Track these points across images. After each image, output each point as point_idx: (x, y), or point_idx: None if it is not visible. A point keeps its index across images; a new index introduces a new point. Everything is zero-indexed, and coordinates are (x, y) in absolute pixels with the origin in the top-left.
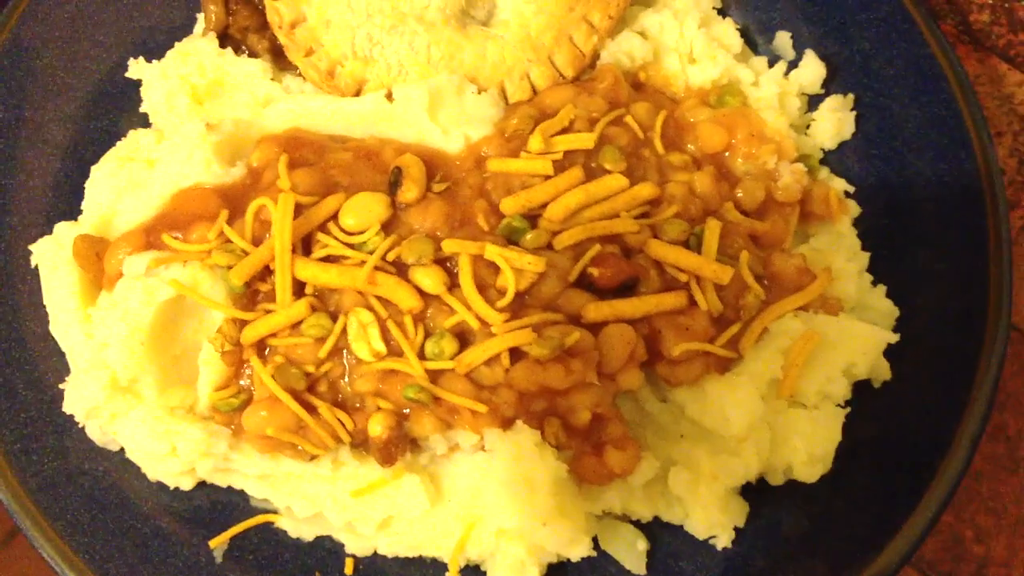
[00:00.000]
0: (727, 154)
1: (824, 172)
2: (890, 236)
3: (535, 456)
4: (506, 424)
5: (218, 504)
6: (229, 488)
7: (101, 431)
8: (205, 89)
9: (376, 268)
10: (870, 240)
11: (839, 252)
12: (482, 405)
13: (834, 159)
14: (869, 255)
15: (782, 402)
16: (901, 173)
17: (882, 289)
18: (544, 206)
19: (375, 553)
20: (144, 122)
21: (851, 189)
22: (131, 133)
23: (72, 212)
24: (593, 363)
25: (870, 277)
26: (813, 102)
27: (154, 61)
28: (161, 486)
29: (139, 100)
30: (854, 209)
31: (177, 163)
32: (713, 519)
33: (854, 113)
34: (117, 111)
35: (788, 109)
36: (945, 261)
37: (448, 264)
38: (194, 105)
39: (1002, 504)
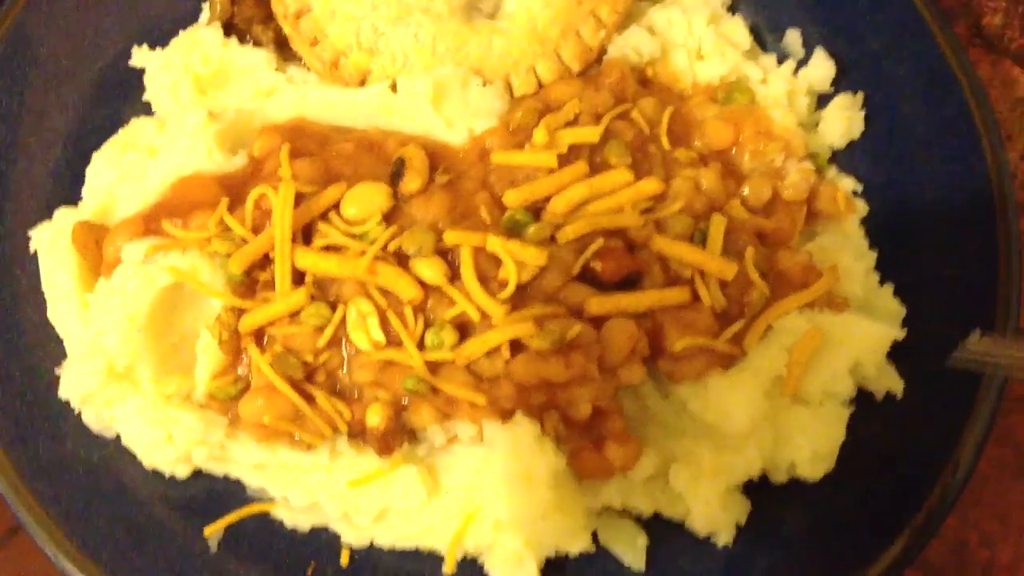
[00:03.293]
0: (734, 151)
1: (832, 171)
2: (898, 236)
3: (534, 449)
4: (505, 416)
5: (214, 493)
6: (225, 477)
7: (97, 418)
8: (209, 78)
9: (377, 258)
10: (877, 240)
11: (846, 251)
12: (481, 397)
13: (842, 158)
14: (876, 254)
15: (786, 399)
16: (910, 174)
17: (889, 288)
18: (547, 200)
19: (371, 544)
20: (147, 111)
21: (859, 188)
22: (133, 121)
23: (73, 199)
24: (594, 357)
25: (877, 276)
26: (822, 101)
27: (158, 49)
28: (157, 474)
29: (142, 89)
30: (862, 208)
31: (178, 151)
32: (714, 516)
33: (863, 112)
34: (120, 99)
35: (797, 107)
36: (953, 263)
37: (449, 256)
38: (197, 94)
39: (1008, 509)
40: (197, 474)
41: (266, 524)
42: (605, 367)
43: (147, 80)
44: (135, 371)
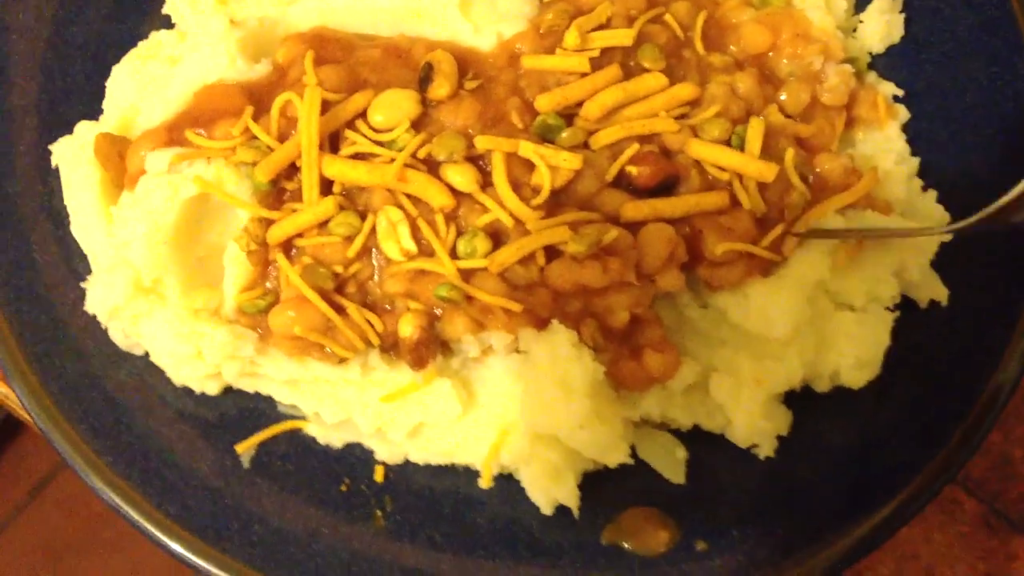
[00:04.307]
0: (770, 56)
1: (872, 76)
2: (940, 143)
3: (572, 357)
4: (541, 325)
5: (245, 411)
6: (256, 395)
7: (124, 334)
8: None
9: (406, 165)
10: (920, 146)
11: (887, 157)
12: (517, 304)
13: (882, 63)
14: (919, 160)
15: (829, 305)
16: (952, 78)
17: (932, 194)
18: (580, 104)
19: (406, 460)
20: (167, 24)
21: (900, 93)
22: (153, 34)
23: (93, 115)
24: (632, 262)
25: (920, 182)
26: (861, 3)
27: None
28: (186, 391)
29: (161, 1)
30: (903, 114)
31: (200, 60)
32: (756, 426)
33: (903, 15)
34: (139, 13)
35: (835, 10)
36: (997, 166)
37: (480, 162)
38: (218, 4)
39: None
40: (227, 391)
41: (298, 441)
42: (642, 273)
43: None
44: (162, 285)
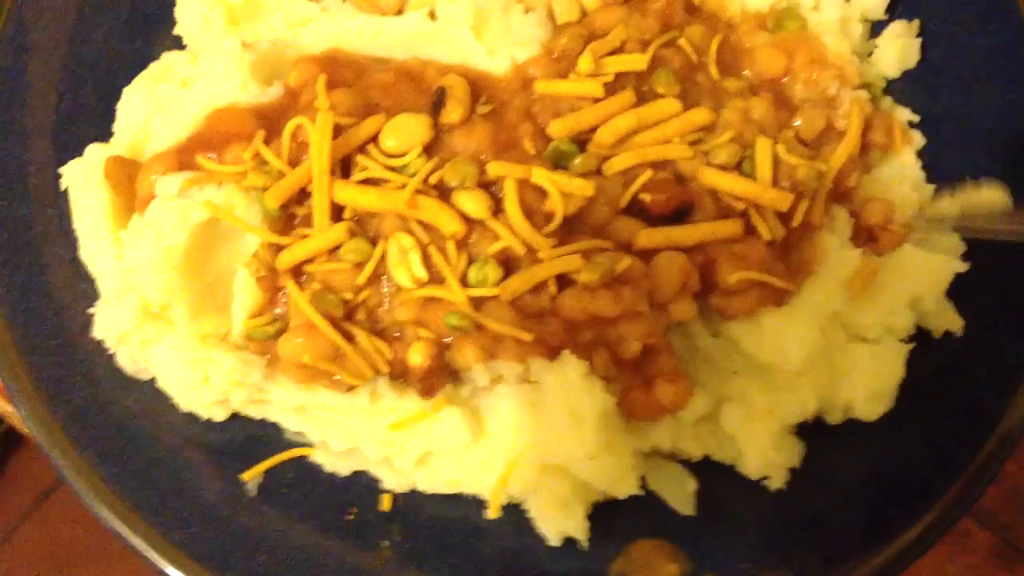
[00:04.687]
0: (785, 81)
1: (887, 102)
2: (957, 168)
3: (583, 388)
4: (552, 354)
5: (252, 437)
6: (263, 421)
7: (132, 360)
8: (241, 9)
9: (418, 191)
10: (936, 172)
11: (903, 183)
12: (528, 333)
13: (897, 88)
14: (934, 187)
15: (842, 336)
16: (968, 103)
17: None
18: (593, 130)
19: (413, 489)
20: (178, 45)
21: (915, 119)
22: (164, 55)
23: (104, 136)
24: (644, 291)
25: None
26: (876, 29)
27: None
28: (193, 417)
29: (173, 23)
30: (918, 140)
31: (212, 82)
32: (767, 458)
33: (919, 40)
34: (151, 33)
35: (850, 35)
36: (1016, 194)
37: (492, 188)
38: (230, 26)
39: None
40: (235, 418)
41: (305, 469)
42: (655, 303)
43: (178, 12)
44: (170, 310)
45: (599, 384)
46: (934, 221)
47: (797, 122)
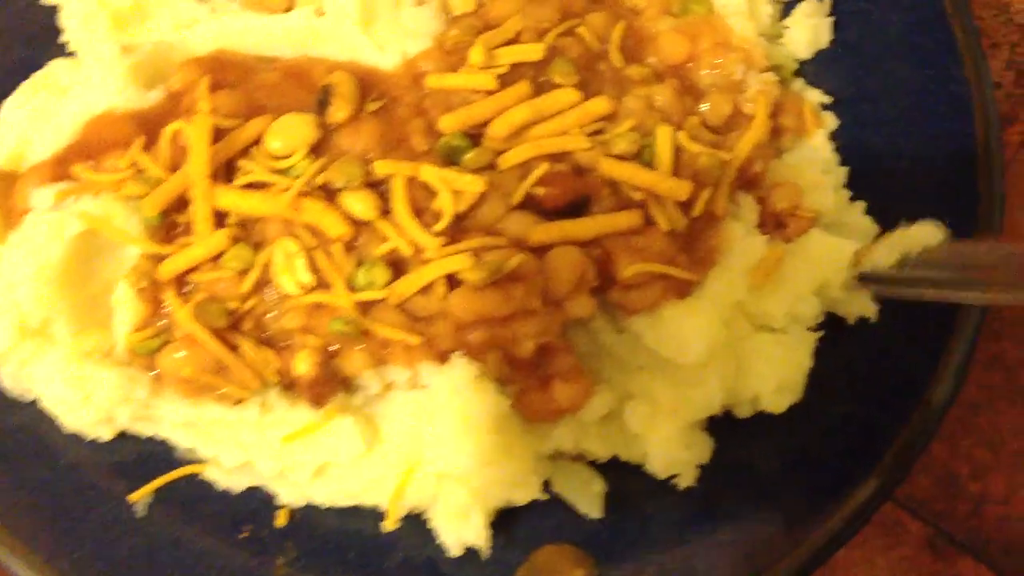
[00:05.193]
0: (691, 66)
1: (799, 83)
2: (869, 150)
3: (474, 391)
4: (443, 358)
5: (143, 455)
6: (153, 439)
7: (14, 379)
8: (127, 12)
9: (303, 194)
10: (849, 154)
11: (813, 167)
12: (415, 337)
13: (811, 69)
14: (847, 169)
15: (747, 327)
16: (882, 83)
17: (861, 205)
18: (487, 124)
19: (310, 503)
20: (67, 54)
21: (828, 100)
22: (49, 64)
23: None
24: (537, 289)
25: (848, 193)
26: (788, 9)
27: None
28: (80, 438)
29: (61, 31)
30: (831, 122)
31: (90, 88)
32: (674, 456)
33: (831, 19)
34: (37, 43)
35: (759, 16)
36: (930, 175)
37: (382, 188)
38: (115, 30)
39: (1000, 437)
40: (124, 437)
41: (197, 486)
42: (550, 300)
43: (62, 18)
44: (51, 327)
45: (491, 386)
46: (871, 279)
47: (704, 107)
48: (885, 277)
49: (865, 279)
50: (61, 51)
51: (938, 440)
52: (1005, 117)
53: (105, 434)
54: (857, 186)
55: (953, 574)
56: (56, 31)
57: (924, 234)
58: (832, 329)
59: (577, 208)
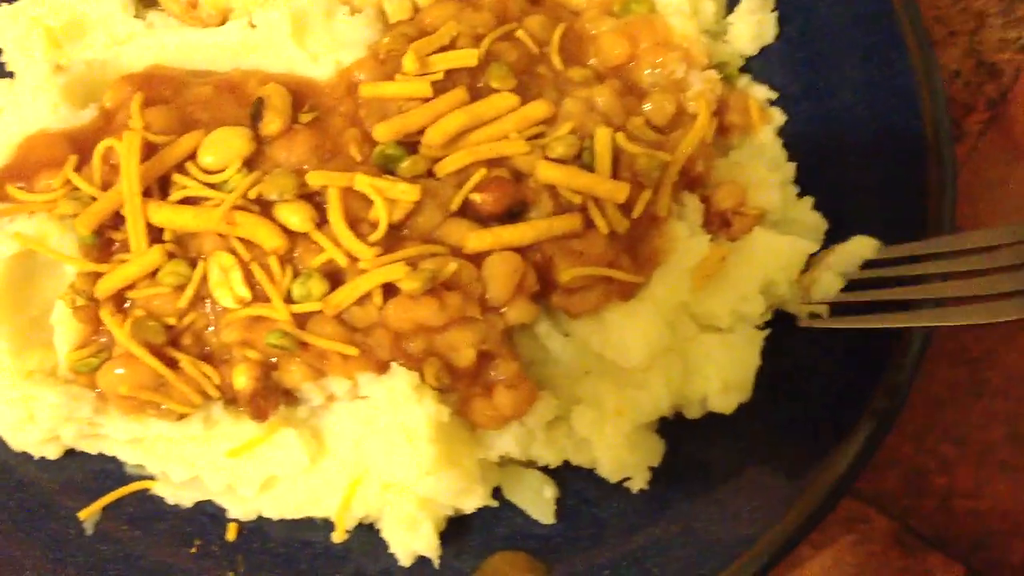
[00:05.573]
0: (632, 66)
1: (745, 80)
2: (818, 145)
3: (412, 400)
4: (381, 368)
5: (91, 473)
6: (103, 457)
7: None
8: (62, 31)
9: (238, 207)
10: (796, 150)
11: (760, 163)
12: (352, 348)
13: (756, 66)
14: (795, 165)
15: (693, 327)
16: (828, 77)
17: (809, 201)
18: (423, 132)
19: (259, 516)
20: (8, 74)
21: (774, 96)
22: None
23: None
24: (474, 296)
25: (796, 189)
26: (732, 5)
27: (3, 5)
28: (27, 457)
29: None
30: (778, 118)
31: (24, 109)
32: (623, 459)
33: (775, 14)
34: None
35: (702, 13)
36: (878, 169)
37: (318, 199)
38: (51, 49)
39: (966, 431)
40: (73, 455)
41: (146, 503)
42: (489, 307)
43: None
44: None
45: (430, 395)
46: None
47: (647, 107)
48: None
49: (814, 316)
50: (2, 70)
51: (904, 437)
52: (965, 105)
53: (51, 453)
54: (805, 182)
55: (922, 570)
56: None
57: (861, 248)
58: (785, 327)
59: (513, 214)
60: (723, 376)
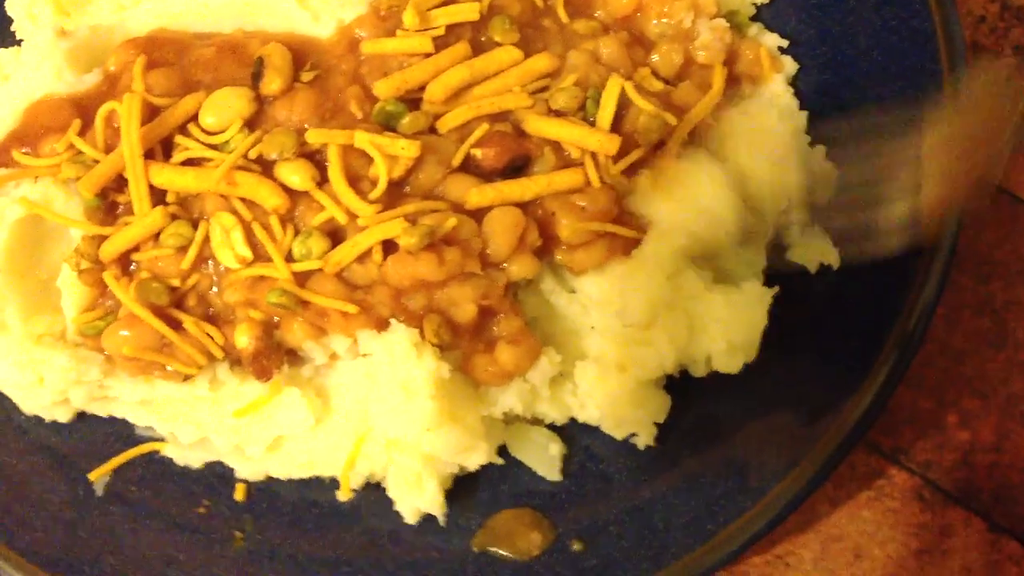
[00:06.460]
0: (639, 16)
1: (755, 28)
2: (832, 93)
3: (412, 357)
4: (382, 325)
5: (102, 436)
6: (113, 419)
7: None
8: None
9: (238, 167)
10: (809, 99)
11: (772, 113)
12: (352, 305)
13: (768, 13)
14: (807, 114)
15: (699, 285)
16: (843, 23)
17: (821, 150)
18: (425, 88)
19: (267, 476)
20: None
21: (785, 44)
22: None
23: None
24: (473, 252)
25: (808, 138)
26: None
27: None
28: (40, 420)
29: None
30: (790, 66)
31: (28, 74)
32: (627, 416)
33: None
34: None
35: None
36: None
37: (319, 157)
38: (59, 16)
39: (989, 384)
40: (84, 417)
41: (156, 464)
42: (491, 262)
43: (8, 7)
44: (1, 312)
45: (430, 352)
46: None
47: (655, 58)
48: None
49: None
50: (14, 40)
51: (924, 391)
52: (990, 51)
53: (62, 416)
54: (817, 130)
55: (942, 524)
56: (8, 20)
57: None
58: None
59: (516, 169)
60: (728, 336)
